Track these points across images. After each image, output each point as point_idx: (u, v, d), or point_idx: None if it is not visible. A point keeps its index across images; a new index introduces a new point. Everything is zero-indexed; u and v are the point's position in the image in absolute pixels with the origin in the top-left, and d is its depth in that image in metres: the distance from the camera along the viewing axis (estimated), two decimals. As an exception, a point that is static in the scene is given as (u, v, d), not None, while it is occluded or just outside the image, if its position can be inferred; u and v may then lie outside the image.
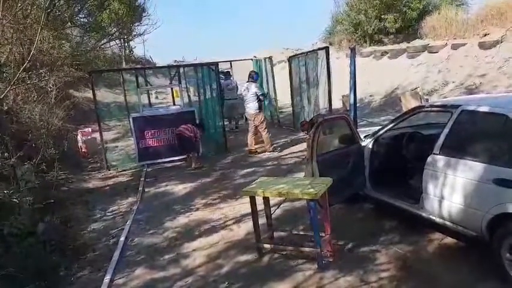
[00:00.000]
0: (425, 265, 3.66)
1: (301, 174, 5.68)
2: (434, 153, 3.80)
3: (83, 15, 13.54)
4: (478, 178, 3.35)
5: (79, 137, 9.52)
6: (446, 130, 3.79)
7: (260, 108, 8.72)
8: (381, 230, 4.36)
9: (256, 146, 8.78)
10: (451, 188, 3.60)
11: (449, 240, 3.96)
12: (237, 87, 12.17)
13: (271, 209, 4.31)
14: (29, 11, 6.29)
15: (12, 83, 4.66)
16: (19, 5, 5.23)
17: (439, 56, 12.74)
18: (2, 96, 5.00)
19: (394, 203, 4.38)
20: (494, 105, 3.63)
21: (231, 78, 12.55)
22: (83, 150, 9.44)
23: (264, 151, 8.65)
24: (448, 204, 3.64)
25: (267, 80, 12.13)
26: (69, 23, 11.74)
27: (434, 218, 3.85)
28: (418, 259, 3.76)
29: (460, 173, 3.52)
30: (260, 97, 8.67)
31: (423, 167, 3.88)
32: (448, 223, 3.72)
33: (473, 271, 3.44)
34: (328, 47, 9.06)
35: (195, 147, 8.23)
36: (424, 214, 3.96)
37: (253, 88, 8.66)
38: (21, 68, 4.60)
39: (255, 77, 9.01)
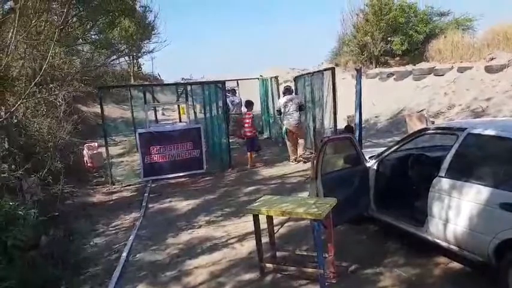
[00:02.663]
0: (430, 290, 3.60)
1: (306, 194, 5.68)
2: (439, 176, 3.78)
3: (94, 32, 13.81)
4: (484, 202, 3.32)
5: (85, 151, 9.59)
6: (452, 153, 3.78)
7: (300, 117, 9.18)
8: (385, 252, 4.31)
9: (299, 154, 9.26)
10: (456, 212, 3.57)
11: (455, 264, 3.90)
12: (241, 103, 12.47)
13: (275, 228, 4.29)
14: (42, 27, 6.44)
15: (23, 97, 4.74)
16: (33, 21, 5.36)
17: (445, 79, 12.81)
18: (13, 109, 5.08)
19: (398, 225, 4.34)
20: (501, 129, 3.62)
21: (236, 95, 12.79)
22: (88, 165, 9.50)
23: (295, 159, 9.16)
24: (453, 228, 3.60)
25: (273, 100, 12.23)
26: (80, 40, 11.98)
27: (439, 241, 3.81)
28: (422, 283, 3.70)
29: (465, 196, 3.50)
30: (302, 107, 9.16)
31: (428, 189, 3.86)
32: (453, 247, 3.68)
33: (480, 297, 3.38)
34: (334, 68, 9.15)
35: (257, 145, 9.47)
36: (429, 237, 3.92)
37: (297, 99, 9.23)
38: (33, 83, 4.68)
39: (291, 90, 9.65)
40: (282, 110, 9.08)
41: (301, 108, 9.10)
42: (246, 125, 9.32)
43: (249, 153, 9.21)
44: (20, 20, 4.79)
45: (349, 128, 8.47)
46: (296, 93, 10.77)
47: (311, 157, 9.01)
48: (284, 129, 9.29)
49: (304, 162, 9.04)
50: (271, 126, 12.84)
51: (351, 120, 10.96)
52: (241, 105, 12.63)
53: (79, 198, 7.26)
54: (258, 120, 14.38)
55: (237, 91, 13.94)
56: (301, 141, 9.31)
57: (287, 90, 9.43)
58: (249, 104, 9.71)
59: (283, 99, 9.28)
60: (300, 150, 9.26)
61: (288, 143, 9.25)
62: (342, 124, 9.92)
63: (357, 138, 6.96)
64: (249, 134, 9.27)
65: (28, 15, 5.30)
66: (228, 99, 12.42)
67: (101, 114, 8.83)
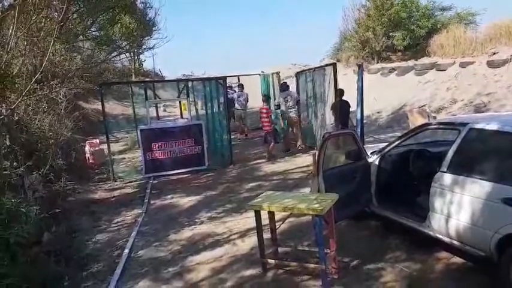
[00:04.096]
0: (432, 285, 3.60)
1: (307, 190, 5.67)
2: (441, 171, 3.77)
3: (95, 29, 13.77)
4: (486, 197, 3.31)
5: (87, 148, 9.61)
6: (453, 148, 3.77)
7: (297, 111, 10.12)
8: (387, 248, 4.30)
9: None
10: (458, 207, 3.56)
11: (456, 259, 3.90)
12: (247, 98, 12.49)
13: (276, 223, 4.29)
14: (43, 24, 6.43)
15: (23, 94, 4.73)
16: (33, 18, 5.35)
17: (447, 74, 12.75)
18: (14, 106, 5.08)
19: (400, 221, 4.34)
20: (503, 123, 3.60)
21: (244, 90, 12.80)
22: (90, 161, 9.51)
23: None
24: (455, 223, 3.59)
25: (274, 95, 12.21)
26: (81, 36, 11.96)
27: (441, 236, 3.81)
28: (424, 278, 3.70)
29: (467, 191, 3.49)
30: (298, 102, 10.08)
31: (430, 184, 3.85)
32: (455, 242, 3.67)
33: (481, 292, 3.38)
34: (335, 64, 9.13)
35: (274, 137, 9.58)
36: (430, 232, 3.91)
37: (295, 94, 10.13)
38: (33, 80, 4.68)
39: (288, 86, 10.45)
40: (289, 104, 9.82)
41: (297, 102, 9.99)
42: (264, 119, 9.49)
43: (271, 145, 9.46)
44: (20, 17, 4.79)
45: (341, 92, 8.70)
46: (297, 89, 10.83)
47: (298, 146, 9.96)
48: (285, 122, 10.17)
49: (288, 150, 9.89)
50: (273, 122, 12.82)
51: (352, 116, 10.93)
52: (247, 101, 12.67)
53: (81, 195, 7.28)
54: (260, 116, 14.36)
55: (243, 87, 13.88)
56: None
57: (285, 86, 10.26)
58: (266, 98, 9.87)
59: (283, 95, 10.02)
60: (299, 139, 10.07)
61: (294, 131, 10.15)
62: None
63: (359, 133, 6.94)
64: (266, 128, 9.42)
65: (28, 11, 5.29)
66: (234, 94, 12.45)
67: (102, 111, 8.83)
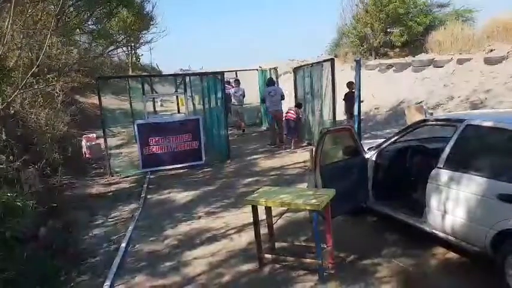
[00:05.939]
0: (428, 280, 3.62)
1: (304, 185, 5.68)
2: (438, 167, 3.79)
3: (92, 22, 13.69)
4: (482, 193, 3.33)
5: (83, 143, 9.58)
6: (450, 144, 3.78)
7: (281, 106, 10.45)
8: (383, 243, 4.32)
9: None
10: (454, 203, 3.58)
11: (452, 255, 3.93)
12: (244, 94, 12.49)
13: (274, 218, 4.29)
14: (39, 17, 6.38)
15: (20, 88, 4.71)
16: (30, 11, 5.31)
17: (445, 71, 12.76)
18: (10, 100, 5.05)
19: (397, 216, 4.36)
20: (500, 120, 3.62)
21: (240, 86, 12.76)
22: (87, 156, 9.48)
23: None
24: (451, 218, 3.61)
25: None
26: (78, 30, 11.89)
27: (437, 232, 3.83)
28: (420, 273, 3.72)
29: (464, 187, 3.50)
30: (283, 96, 10.36)
31: (427, 180, 3.86)
32: (451, 238, 3.69)
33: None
34: (333, 59, 9.10)
35: (298, 130, 9.86)
36: (427, 228, 3.93)
37: (281, 90, 10.37)
38: (30, 73, 4.64)
39: (274, 82, 10.89)
40: (278, 99, 10.11)
41: (282, 97, 10.30)
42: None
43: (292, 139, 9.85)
44: (16, 9, 4.74)
45: (350, 84, 9.36)
46: (295, 85, 10.83)
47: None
48: (270, 116, 10.56)
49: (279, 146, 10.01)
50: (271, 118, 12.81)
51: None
52: (244, 97, 12.65)
53: (78, 189, 7.26)
54: (257, 111, 14.36)
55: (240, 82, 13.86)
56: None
57: (271, 82, 10.64)
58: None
59: (268, 89, 10.34)
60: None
61: (275, 127, 10.34)
62: (341, 116, 9.93)
63: (356, 129, 6.96)
64: (287, 118, 9.85)
65: (24, 4, 5.25)
66: (231, 90, 12.42)
67: (99, 105, 8.78)
